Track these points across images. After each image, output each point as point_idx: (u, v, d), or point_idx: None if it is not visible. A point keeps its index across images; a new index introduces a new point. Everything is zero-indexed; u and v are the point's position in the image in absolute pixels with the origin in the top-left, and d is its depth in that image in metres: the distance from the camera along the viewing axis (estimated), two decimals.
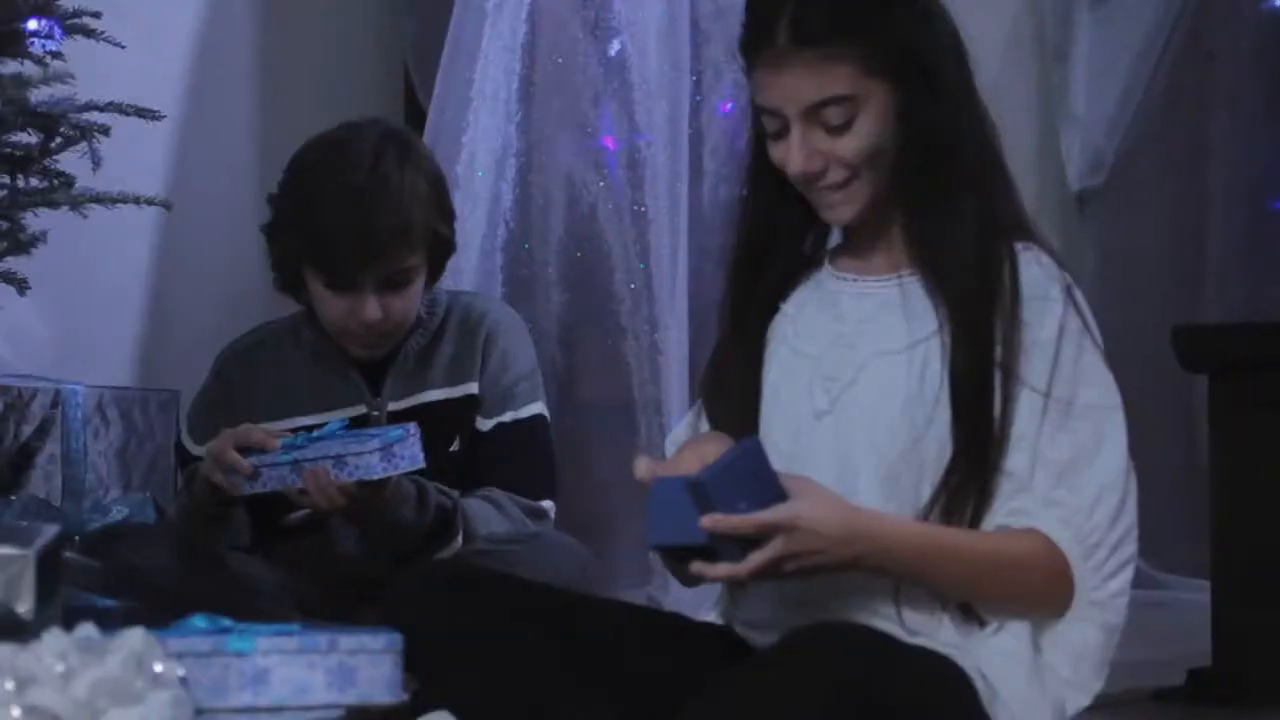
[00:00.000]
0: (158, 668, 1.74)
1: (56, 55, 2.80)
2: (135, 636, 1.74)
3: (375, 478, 2.50)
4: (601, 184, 3.63)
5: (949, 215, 2.01)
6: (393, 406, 2.77)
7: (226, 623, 1.90)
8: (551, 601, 2.10)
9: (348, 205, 2.64)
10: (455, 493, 2.69)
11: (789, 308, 2.14)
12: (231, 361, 2.84)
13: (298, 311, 2.84)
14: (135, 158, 3.47)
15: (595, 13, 3.65)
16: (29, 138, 2.87)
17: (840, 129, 2.00)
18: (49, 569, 1.90)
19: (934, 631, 1.99)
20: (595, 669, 2.00)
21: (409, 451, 2.51)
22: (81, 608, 2.08)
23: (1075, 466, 1.98)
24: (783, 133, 2.02)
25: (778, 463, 1.95)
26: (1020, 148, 5.05)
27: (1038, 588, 1.97)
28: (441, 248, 2.77)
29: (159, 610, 2.09)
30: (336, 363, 2.78)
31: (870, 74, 1.99)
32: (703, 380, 2.23)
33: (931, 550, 1.95)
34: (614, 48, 3.65)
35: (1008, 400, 1.98)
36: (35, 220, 3.01)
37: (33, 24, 2.70)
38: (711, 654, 2.07)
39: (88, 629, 1.75)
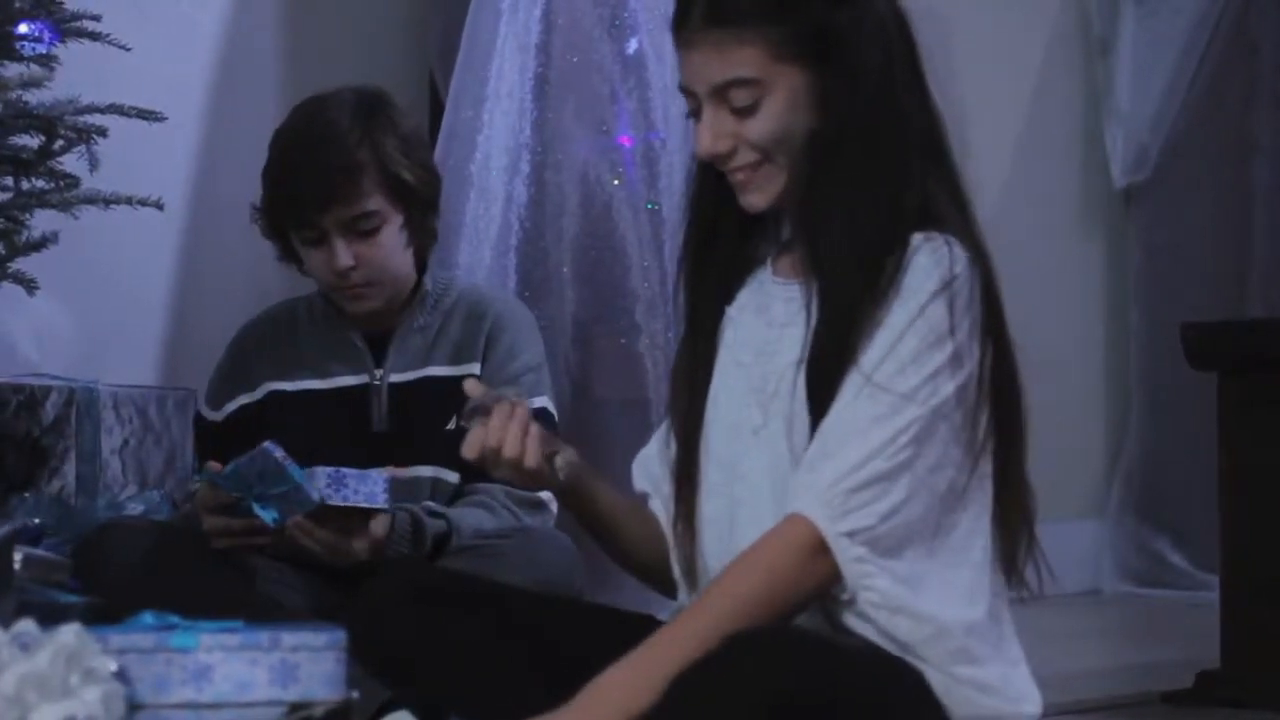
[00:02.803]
0: (91, 663, 1.76)
1: (51, 58, 2.83)
2: (69, 633, 1.76)
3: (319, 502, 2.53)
4: (616, 182, 3.62)
5: (834, 214, 1.95)
6: (394, 378, 2.83)
7: (174, 619, 1.92)
8: (520, 605, 2.10)
9: (297, 150, 2.79)
10: (448, 511, 2.70)
11: (733, 310, 2.09)
12: (247, 333, 2.95)
13: (315, 290, 2.94)
14: (158, 160, 3.51)
15: (612, 11, 3.63)
16: (30, 140, 2.90)
17: (746, 111, 1.97)
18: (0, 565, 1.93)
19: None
20: (564, 673, 1.97)
21: (365, 488, 2.53)
22: (40, 603, 2.11)
23: (855, 434, 1.89)
24: (697, 113, 2.01)
25: (716, 472, 1.96)
26: (1065, 144, 5.04)
27: (800, 575, 1.89)
28: (412, 198, 2.81)
29: (124, 606, 2.11)
30: (344, 332, 2.86)
31: (780, 58, 1.95)
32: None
33: (666, 643, 1.87)
34: (631, 46, 3.64)
35: (841, 385, 1.92)
36: (53, 222, 3.04)
37: (23, 28, 2.72)
38: None
39: (26, 624, 1.77)
